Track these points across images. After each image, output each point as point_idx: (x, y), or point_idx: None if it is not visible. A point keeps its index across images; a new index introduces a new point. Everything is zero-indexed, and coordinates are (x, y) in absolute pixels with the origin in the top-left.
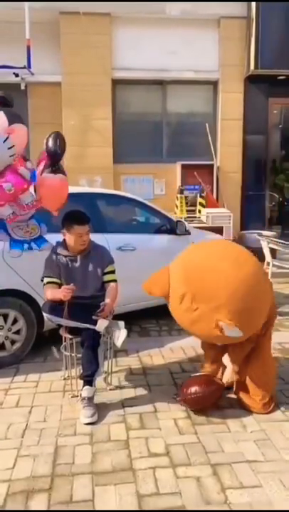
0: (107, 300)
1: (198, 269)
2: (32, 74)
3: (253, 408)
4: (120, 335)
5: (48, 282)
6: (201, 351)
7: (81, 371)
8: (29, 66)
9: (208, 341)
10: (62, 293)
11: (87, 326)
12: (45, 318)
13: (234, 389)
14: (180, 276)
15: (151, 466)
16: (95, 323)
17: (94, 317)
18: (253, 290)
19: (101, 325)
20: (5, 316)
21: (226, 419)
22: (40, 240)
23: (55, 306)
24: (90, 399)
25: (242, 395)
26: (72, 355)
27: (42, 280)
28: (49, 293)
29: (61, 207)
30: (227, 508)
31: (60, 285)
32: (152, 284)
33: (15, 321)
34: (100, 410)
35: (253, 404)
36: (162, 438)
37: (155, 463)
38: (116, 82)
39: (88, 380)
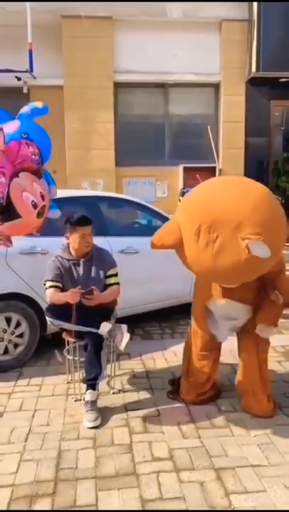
0: (103, 293)
1: (208, 199)
2: (34, 77)
3: (261, 412)
4: (123, 338)
5: (51, 286)
6: None
7: (84, 375)
8: (31, 70)
9: (237, 278)
10: (71, 296)
11: (90, 329)
12: (48, 321)
13: (237, 391)
14: (189, 213)
15: (154, 471)
16: (97, 326)
17: (83, 300)
18: (271, 199)
19: (104, 328)
20: (8, 320)
21: (229, 423)
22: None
23: (58, 310)
24: (93, 403)
25: (248, 397)
26: (76, 358)
27: (44, 284)
28: (55, 296)
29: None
30: None
31: (62, 289)
32: (162, 234)
33: (18, 325)
34: (103, 414)
35: (262, 407)
36: (166, 442)
37: (159, 467)
38: (118, 85)
39: (91, 383)
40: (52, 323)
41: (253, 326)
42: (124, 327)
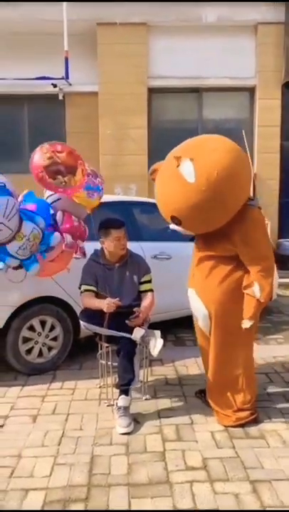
0: (142, 307)
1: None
2: (70, 84)
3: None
4: (157, 344)
5: (86, 290)
6: None
7: (117, 380)
8: (67, 77)
9: (182, 209)
10: (107, 305)
11: (124, 334)
12: (81, 325)
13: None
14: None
15: (188, 480)
16: (131, 332)
17: (127, 322)
18: (231, 153)
19: (137, 334)
20: (42, 323)
21: (265, 434)
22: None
23: (92, 314)
24: (126, 408)
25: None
26: (108, 363)
27: (79, 288)
28: (90, 302)
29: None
30: None
31: (96, 293)
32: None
33: (52, 328)
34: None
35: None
36: (199, 451)
37: (192, 477)
38: (152, 91)
39: (124, 389)
40: (85, 327)
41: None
42: (158, 333)
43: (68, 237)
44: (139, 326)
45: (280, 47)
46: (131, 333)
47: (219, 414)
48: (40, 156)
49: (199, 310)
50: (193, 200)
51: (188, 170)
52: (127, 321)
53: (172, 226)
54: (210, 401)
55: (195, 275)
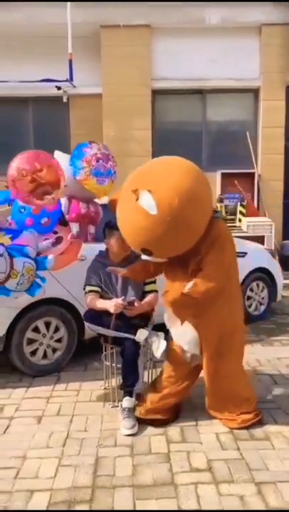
0: (143, 302)
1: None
2: (74, 86)
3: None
4: (160, 346)
5: (90, 291)
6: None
7: (121, 381)
8: (71, 79)
9: (136, 236)
10: (114, 307)
11: (127, 335)
12: (85, 326)
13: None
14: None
15: (193, 482)
16: (134, 333)
17: (125, 311)
18: (188, 175)
19: (140, 335)
20: (47, 324)
21: (270, 435)
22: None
23: (96, 315)
24: (130, 410)
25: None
26: (113, 364)
27: (84, 288)
28: (95, 302)
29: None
30: None
31: (101, 294)
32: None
33: (56, 329)
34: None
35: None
36: (204, 453)
37: (197, 478)
38: (156, 93)
39: (128, 390)
40: (89, 328)
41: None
42: (161, 334)
43: (75, 228)
44: (143, 328)
45: (285, 48)
46: (135, 335)
47: (223, 420)
48: (21, 183)
49: (186, 333)
50: (159, 232)
51: (149, 202)
52: (124, 311)
53: (144, 257)
54: (212, 413)
55: (171, 293)
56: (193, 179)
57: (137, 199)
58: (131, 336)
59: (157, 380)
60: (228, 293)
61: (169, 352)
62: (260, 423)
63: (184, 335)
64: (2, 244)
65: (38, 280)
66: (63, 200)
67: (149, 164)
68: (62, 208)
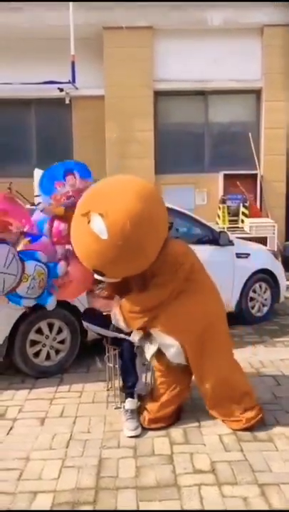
0: None
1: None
2: (76, 88)
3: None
4: (150, 347)
5: (91, 290)
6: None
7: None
8: (74, 81)
9: (89, 259)
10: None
11: (123, 336)
12: (84, 326)
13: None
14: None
15: (196, 483)
16: (130, 333)
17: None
18: (143, 199)
19: (134, 336)
20: (50, 326)
21: (273, 437)
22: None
23: (95, 315)
24: (133, 411)
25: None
26: (116, 366)
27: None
28: (98, 302)
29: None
30: None
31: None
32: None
33: (59, 331)
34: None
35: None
36: (207, 454)
37: (200, 480)
38: (158, 94)
39: (129, 391)
40: (88, 328)
41: None
42: (154, 337)
43: (59, 250)
44: None
45: (286, 49)
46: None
47: (226, 422)
48: None
49: (170, 345)
50: (110, 256)
51: (100, 227)
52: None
53: (97, 276)
54: (214, 414)
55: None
56: (147, 201)
57: (89, 222)
58: (127, 337)
59: (154, 388)
60: (192, 293)
61: (160, 356)
62: (262, 422)
63: (167, 348)
64: (7, 243)
65: (50, 288)
66: (46, 225)
67: (102, 184)
68: (45, 232)
